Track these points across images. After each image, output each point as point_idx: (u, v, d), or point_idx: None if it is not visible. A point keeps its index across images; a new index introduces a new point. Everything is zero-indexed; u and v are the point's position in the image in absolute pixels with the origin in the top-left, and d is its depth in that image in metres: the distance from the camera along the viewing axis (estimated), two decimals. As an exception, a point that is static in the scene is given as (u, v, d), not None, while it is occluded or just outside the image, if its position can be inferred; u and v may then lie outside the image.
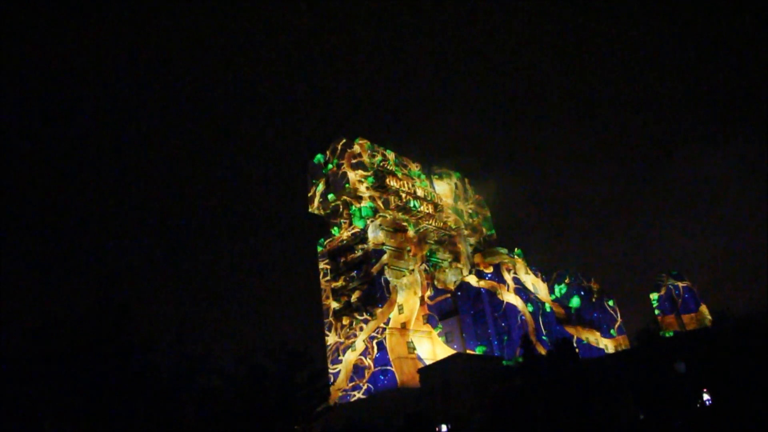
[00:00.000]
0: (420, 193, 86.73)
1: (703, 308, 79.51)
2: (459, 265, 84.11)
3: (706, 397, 35.84)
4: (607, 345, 76.94)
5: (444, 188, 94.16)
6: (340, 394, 68.51)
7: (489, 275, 73.74)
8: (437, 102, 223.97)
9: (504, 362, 59.69)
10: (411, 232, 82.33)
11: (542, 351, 61.80)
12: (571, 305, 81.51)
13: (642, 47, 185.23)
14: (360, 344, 72.17)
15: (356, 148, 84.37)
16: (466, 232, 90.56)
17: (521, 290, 73.18)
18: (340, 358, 73.63)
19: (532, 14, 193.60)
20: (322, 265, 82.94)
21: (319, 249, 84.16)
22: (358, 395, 67.89)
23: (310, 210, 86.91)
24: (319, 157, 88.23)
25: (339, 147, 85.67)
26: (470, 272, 77.76)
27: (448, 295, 75.45)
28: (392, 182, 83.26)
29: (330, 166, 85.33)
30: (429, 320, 74.97)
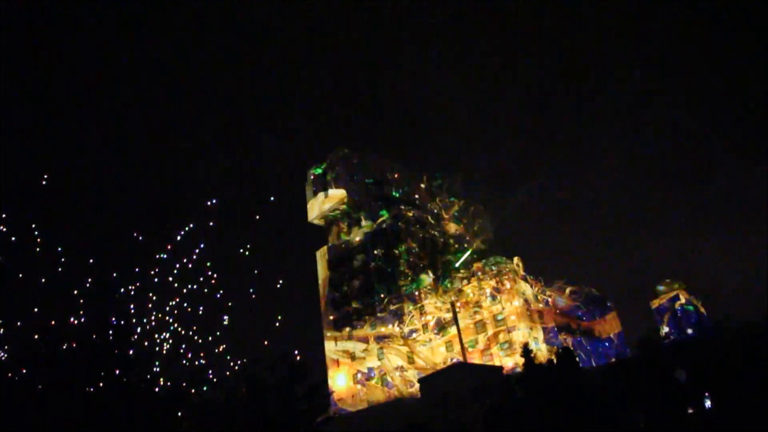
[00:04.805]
0: (420, 202, 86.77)
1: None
2: (459, 274, 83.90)
3: (708, 404, 35.70)
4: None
5: (443, 196, 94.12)
6: (341, 405, 68.28)
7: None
8: (439, 109, 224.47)
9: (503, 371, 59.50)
10: (410, 241, 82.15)
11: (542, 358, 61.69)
12: (569, 311, 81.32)
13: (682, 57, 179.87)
14: (360, 354, 71.98)
15: (356, 159, 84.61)
16: (466, 239, 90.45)
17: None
18: (340, 367, 73.43)
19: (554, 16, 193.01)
20: (321, 275, 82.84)
21: (318, 259, 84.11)
22: (359, 406, 67.65)
23: (309, 220, 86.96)
24: (319, 167, 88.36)
25: (339, 157, 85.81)
26: (469, 280, 77.59)
27: (448, 303, 75.28)
28: (392, 192, 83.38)
29: (329, 176, 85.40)
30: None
